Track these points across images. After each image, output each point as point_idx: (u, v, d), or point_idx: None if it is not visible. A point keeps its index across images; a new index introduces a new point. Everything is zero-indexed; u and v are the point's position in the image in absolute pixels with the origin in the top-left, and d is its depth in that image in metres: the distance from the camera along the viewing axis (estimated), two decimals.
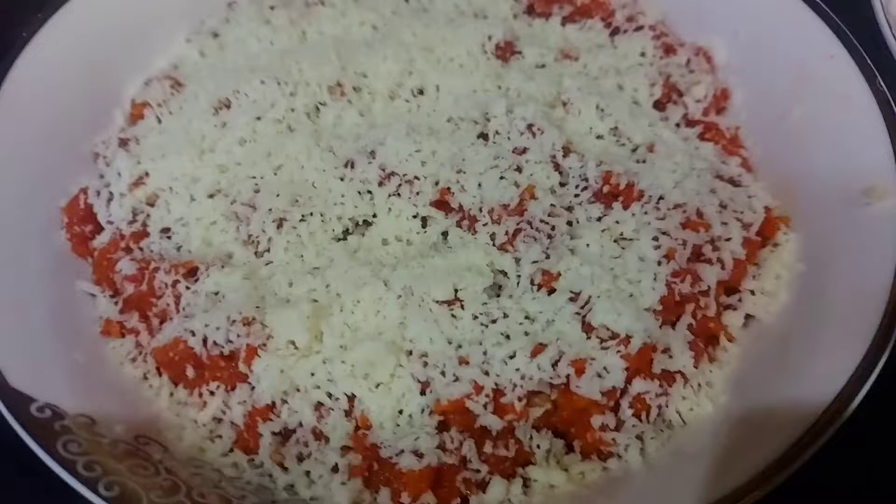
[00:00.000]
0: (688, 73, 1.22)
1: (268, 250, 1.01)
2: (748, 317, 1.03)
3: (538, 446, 0.89)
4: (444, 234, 1.02)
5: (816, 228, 1.05)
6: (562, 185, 1.04)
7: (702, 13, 1.28)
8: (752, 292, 1.04)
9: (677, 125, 1.18)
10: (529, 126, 1.06)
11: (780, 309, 1.02)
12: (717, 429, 0.92)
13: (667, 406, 0.93)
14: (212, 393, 0.93)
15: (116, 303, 1.03)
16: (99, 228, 1.08)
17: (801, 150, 1.13)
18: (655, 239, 0.96)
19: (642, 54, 1.22)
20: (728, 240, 0.99)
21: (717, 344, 1.01)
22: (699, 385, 0.96)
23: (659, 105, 1.19)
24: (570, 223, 1.01)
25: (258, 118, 1.09)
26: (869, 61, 1.10)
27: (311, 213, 1.02)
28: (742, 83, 1.25)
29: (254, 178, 1.06)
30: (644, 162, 1.06)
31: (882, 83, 1.07)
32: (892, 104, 1.05)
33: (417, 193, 1.03)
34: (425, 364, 0.88)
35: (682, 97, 1.19)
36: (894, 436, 1.01)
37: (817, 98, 1.13)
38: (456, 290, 0.93)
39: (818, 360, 0.91)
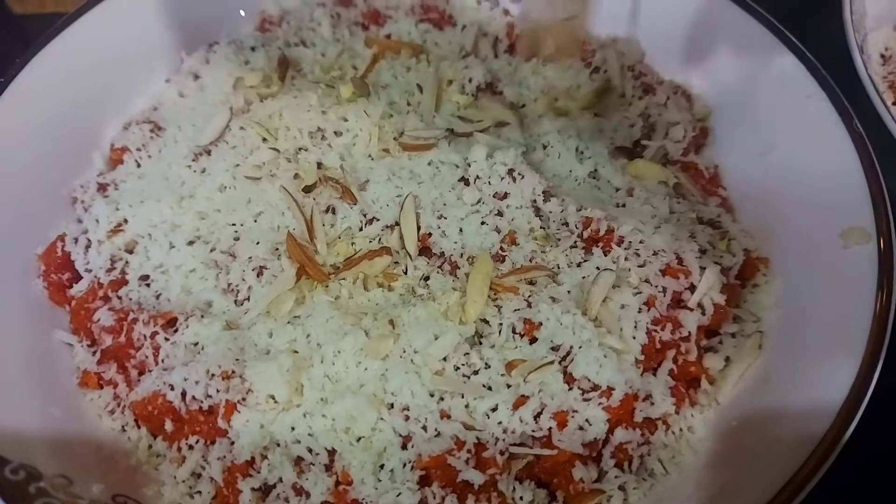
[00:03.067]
0: (666, 113, 1.23)
1: (247, 299, 1.00)
2: (728, 359, 1.03)
3: (521, 498, 0.89)
4: (426, 279, 1.01)
5: (795, 270, 1.06)
6: (542, 229, 1.04)
7: (680, 53, 1.29)
8: (733, 335, 1.04)
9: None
10: (510, 171, 1.06)
11: (760, 351, 1.02)
12: (701, 476, 0.92)
13: (648, 455, 0.93)
14: (191, 447, 0.92)
15: (94, 353, 1.02)
16: (77, 276, 1.07)
17: (780, 190, 1.13)
18: (636, 286, 0.96)
19: (622, 95, 1.23)
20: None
21: (697, 387, 1.01)
22: (680, 430, 0.96)
23: (637, 146, 1.19)
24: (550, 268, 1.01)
25: (237, 165, 1.08)
26: (846, 102, 1.11)
27: (292, 260, 1.01)
28: (721, 122, 1.26)
29: (234, 225, 1.05)
30: (624, 206, 1.06)
31: (858, 125, 1.08)
32: (869, 146, 1.06)
33: (399, 239, 1.02)
34: (406, 418, 0.88)
35: (662, 137, 1.20)
36: (878, 479, 1.01)
37: (794, 138, 1.15)
38: (436, 338, 0.93)
39: (801, 404, 0.91)
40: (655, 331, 0.94)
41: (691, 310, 0.98)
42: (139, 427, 0.97)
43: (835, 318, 0.97)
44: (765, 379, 0.99)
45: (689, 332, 0.97)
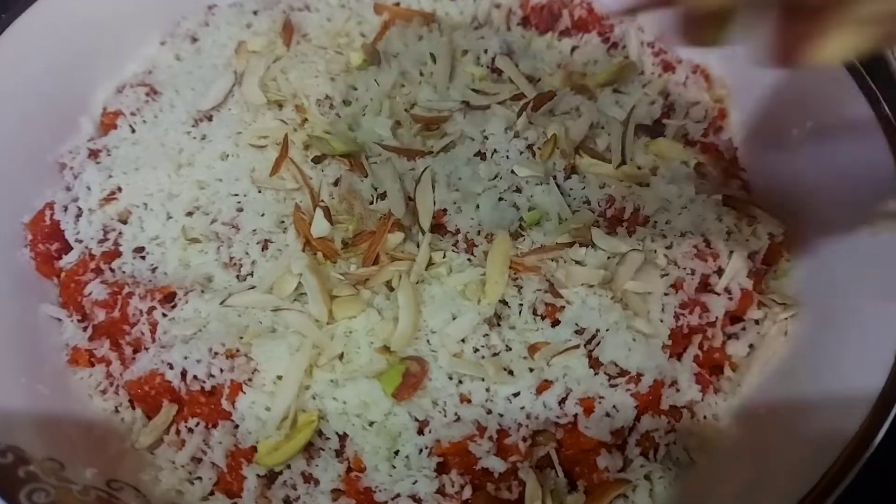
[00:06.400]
0: (686, 92, 1.18)
1: (251, 274, 0.94)
2: (751, 346, 1.00)
3: (542, 485, 0.84)
4: (441, 257, 0.96)
5: (820, 255, 1.03)
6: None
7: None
8: (756, 322, 1.00)
9: None
10: (530, 146, 1.01)
11: (786, 339, 0.99)
12: (726, 467, 0.88)
13: (674, 443, 0.89)
14: (190, 430, 0.86)
15: (85, 328, 0.95)
16: (66, 247, 1.00)
17: (801, 175, 1.09)
18: (663, 268, 0.92)
19: (641, 72, 1.18)
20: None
21: (720, 374, 0.98)
22: (704, 418, 0.93)
23: (658, 124, 1.15)
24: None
25: (240, 132, 1.02)
26: (872, 84, 1.07)
27: (299, 234, 0.95)
28: (740, 103, 1.22)
29: (236, 195, 0.99)
30: (648, 185, 1.01)
31: (886, 108, 1.04)
32: None
33: (413, 214, 0.97)
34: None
35: (683, 117, 1.15)
36: None
37: (818, 120, 1.11)
38: (454, 318, 0.88)
39: (831, 395, 0.87)
40: (683, 315, 0.90)
41: (718, 294, 0.94)
42: (133, 408, 0.91)
43: (864, 306, 0.93)
44: (791, 368, 0.95)
45: (717, 317, 0.93)
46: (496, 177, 1.00)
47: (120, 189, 1.01)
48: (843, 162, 1.06)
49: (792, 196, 1.09)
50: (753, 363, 0.97)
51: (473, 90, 1.10)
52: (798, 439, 0.85)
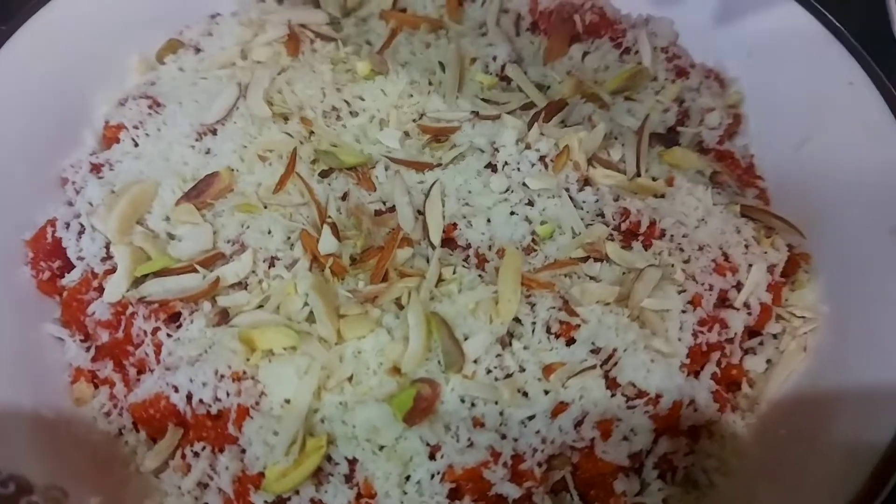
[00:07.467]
0: (700, 98, 1.15)
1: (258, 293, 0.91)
2: (769, 361, 0.97)
3: None
4: (451, 272, 0.93)
5: (840, 267, 1.00)
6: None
7: (713, 34, 1.22)
8: (774, 336, 0.98)
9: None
10: (542, 157, 0.98)
11: (806, 354, 0.96)
12: (747, 489, 0.86)
13: (692, 465, 0.87)
14: (196, 455, 0.84)
15: (88, 349, 0.93)
16: (68, 265, 0.98)
17: (819, 183, 1.07)
18: (680, 284, 0.89)
19: (654, 78, 1.15)
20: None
21: (737, 391, 0.95)
22: (722, 437, 0.90)
23: (672, 132, 1.12)
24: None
25: (245, 146, 0.99)
26: (892, 88, 1.04)
27: (306, 251, 0.93)
28: (755, 109, 1.19)
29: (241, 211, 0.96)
30: (663, 196, 0.99)
31: None
32: None
33: (422, 228, 0.95)
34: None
35: (697, 124, 1.12)
36: None
37: (836, 127, 1.08)
38: (466, 338, 0.85)
39: (855, 411, 0.85)
40: (702, 332, 0.87)
41: (737, 309, 0.91)
42: (138, 431, 0.89)
43: (886, 318, 0.91)
44: (812, 384, 0.93)
45: (735, 334, 0.90)
46: (507, 189, 0.97)
47: None
48: (863, 170, 1.03)
49: (809, 206, 1.07)
50: (772, 379, 0.95)
51: (483, 99, 1.08)
52: (823, 457, 0.83)
